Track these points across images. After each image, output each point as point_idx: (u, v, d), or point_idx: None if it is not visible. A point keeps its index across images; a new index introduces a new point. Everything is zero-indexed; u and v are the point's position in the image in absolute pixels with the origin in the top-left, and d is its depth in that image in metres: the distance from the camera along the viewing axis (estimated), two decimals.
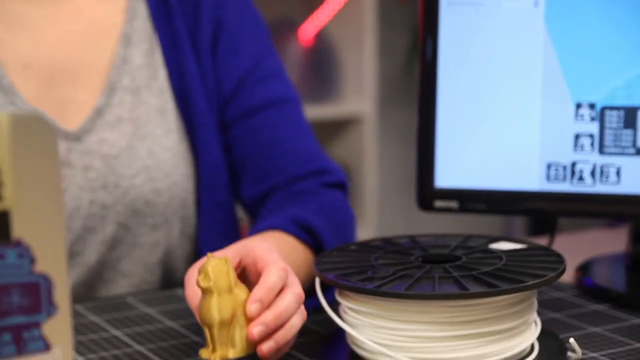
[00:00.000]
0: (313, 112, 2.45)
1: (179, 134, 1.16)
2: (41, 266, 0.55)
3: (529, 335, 0.89)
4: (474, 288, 0.84)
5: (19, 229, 0.54)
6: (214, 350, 0.82)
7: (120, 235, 1.13)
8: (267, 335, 0.82)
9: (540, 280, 0.86)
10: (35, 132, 0.54)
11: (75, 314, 1.05)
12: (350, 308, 0.89)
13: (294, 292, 0.85)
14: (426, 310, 0.85)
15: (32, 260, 0.55)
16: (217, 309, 0.81)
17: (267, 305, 0.83)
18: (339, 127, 2.68)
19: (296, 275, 0.98)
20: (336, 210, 1.14)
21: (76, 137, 1.11)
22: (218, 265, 0.82)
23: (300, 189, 1.16)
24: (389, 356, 0.86)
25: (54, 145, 0.54)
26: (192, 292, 0.87)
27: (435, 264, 0.90)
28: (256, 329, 0.82)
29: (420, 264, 0.91)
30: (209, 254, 0.83)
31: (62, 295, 0.56)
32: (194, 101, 1.15)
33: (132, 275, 1.14)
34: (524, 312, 0.88)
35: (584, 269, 1.14)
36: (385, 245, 0.97)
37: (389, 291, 0.85)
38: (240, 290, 0.83)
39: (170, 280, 1.18)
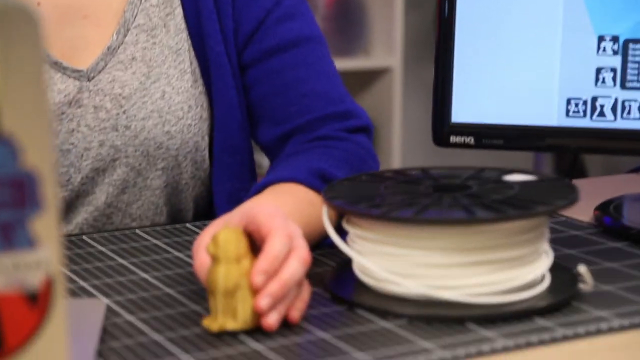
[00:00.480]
0: (338, 65, 2.43)
1: (193, 75, 1.14)
2: (29, 161, 0.54)
3: (539, 265, 0.87)
4: (482, 215, 0.82)
5: (6, 122, 0.53)
6: (215, 319, 0.81)
7: (130, 178, 1.11)
8: (273, 306, 0.80)
9: (550, 207, 0.84)
10: (20, 22, 0.52)
11: (82, 244, 1.04)
12: (357, 235, 0.88)
13: (299, 256, 0.81)
14: (434, 236, 0.83)
15: (19, 155, 0.54)
16: (222, 277, 0.79)
17: (272, 275, 0.80)
18: (365, 81, 2.65)
19: (316, 230, 0.96)
20: (361, 159, 1.11)
21: (87, 76, 1.10)
22: (229, 234, 0.81)
23: (322, 133, 1.13)
24: (396, 284, 0.85)
25: (40, 36, 0.53)
26: (200, 264, 0.84)
27: (446, 192, 0.89)
28: (264, 301, 0.79)
29: (431, 192, 0.89)
30: (227, 224, 0.81)
31: (50, 192, 0.54)
32: (209, 42, 1.13)
33: (141, 218, 1.13)
34: (534, 240, 0.86)
35: (604, 207, 1.11)
36: (397, 176, 0.96)
37: (396, 216, 0.83)
38: (249, 262, 0.81)
39: (178, 218, 1.17)
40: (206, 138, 1.15)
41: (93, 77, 1.10)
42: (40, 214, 0.55)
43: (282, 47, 1.14)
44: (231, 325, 0.80)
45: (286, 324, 0.81)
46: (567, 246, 1.02)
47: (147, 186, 1.12)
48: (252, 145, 1.21)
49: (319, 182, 1.01)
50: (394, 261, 0.85)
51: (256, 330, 0.80)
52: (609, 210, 1.10)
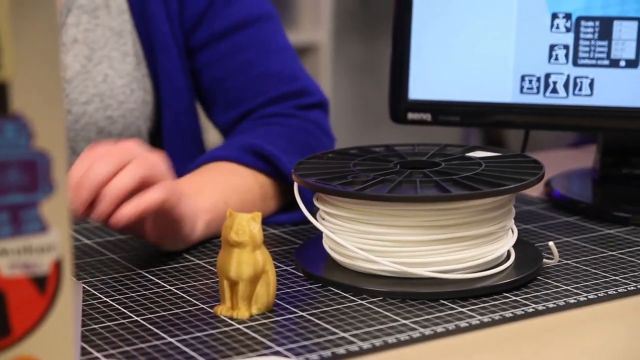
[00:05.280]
0: None
1: (136, 57, 1.12)
2: (40, 142, 0.53)
3: (507, 241, 0.89)
4: (456, 191, 0.84)
5: (18, 102, 0.52)
6: (233, 307, 0.80)
7: (72, 162, 1.09)
8: None
9: (522, 183, 0.86)
10: None
11: None
12: (329, 213, 0.88)
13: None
14: (408, 213, 0.85)
15: (31, 136, 0.53)
16: (251, 265, 0.79)
17: None
18: None
19: (254, 210, 0.97)
20: (306, 134, 1.12)
21: None
22: (250, 220, 0.79)
23: (271, 112, 1.13)
24: (368, 260, 0.86)
25: (54, 12, 0.52)
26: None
27: (415, 169, 0.90)
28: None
29: (400, 169, 0.90)
30: (230, 210, 0.80)
31: (60, 174, 0.53)
32: (156, 22, 1.11)
33: None
34: (503, 217, 0.88)
35: (553, 182, 1.14)
36: (362, 153, 0.97)
37: (372, 194, 0.84)
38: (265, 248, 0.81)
39: None
40: (148, 122, 1.14)
41: None
42: (51, 197, 0.54)
43: (231, 29, 1.14)
44: (255, 310, 0.80)
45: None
46: (523, 221, 1.05)
47: None
48: (201, 126, 1.20)
49: (249, 156, 1.03)
50: (367, 239, 0.86)
51: None
52: (557, 185, 1.13)
